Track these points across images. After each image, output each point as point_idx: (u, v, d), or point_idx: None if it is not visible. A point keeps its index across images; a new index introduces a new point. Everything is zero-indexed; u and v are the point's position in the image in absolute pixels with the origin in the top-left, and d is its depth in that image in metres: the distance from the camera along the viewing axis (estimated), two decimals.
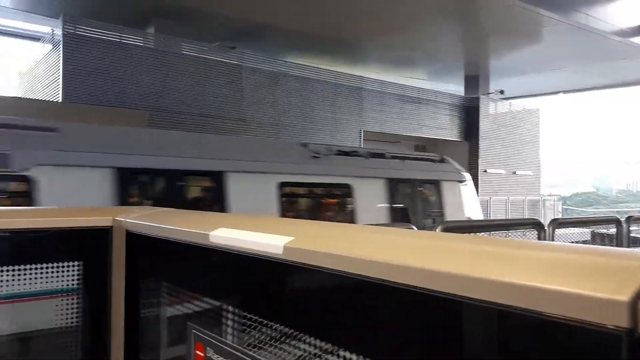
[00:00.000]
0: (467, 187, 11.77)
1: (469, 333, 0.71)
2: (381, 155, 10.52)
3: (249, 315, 1.08)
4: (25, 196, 6.09)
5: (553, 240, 3.57)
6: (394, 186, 10.11)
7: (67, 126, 6.88)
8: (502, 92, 21.50)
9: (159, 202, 6.85)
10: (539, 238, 3.56)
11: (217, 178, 7.78)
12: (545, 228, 3.62)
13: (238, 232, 1.16)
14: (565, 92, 25.82)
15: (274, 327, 1.02)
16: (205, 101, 13.64)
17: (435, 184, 10.89)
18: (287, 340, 0.98)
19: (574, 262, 0.68)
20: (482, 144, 20.22)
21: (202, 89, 13.61)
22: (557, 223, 3.53)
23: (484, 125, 20.40)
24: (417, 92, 19.29)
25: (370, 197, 9.76)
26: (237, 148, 8.85)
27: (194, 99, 13.41)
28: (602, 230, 4.71)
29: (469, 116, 20.47)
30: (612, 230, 4.59)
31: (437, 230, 2.79)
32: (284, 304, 1.05)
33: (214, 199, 7.81)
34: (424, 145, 20.29)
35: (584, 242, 4.76)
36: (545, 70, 20.52)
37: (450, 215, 10.73)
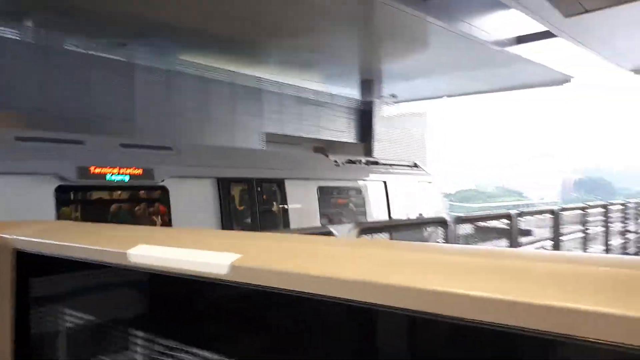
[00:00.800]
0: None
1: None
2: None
3: (176, 347, 0.93)
4: (162, 200, 8.26)
5: (456, 235, 3.75)
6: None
7: (180, 145, 9.29)
8: (394, 96, 22.58)
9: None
10: (445, 234, 3.72)
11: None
12: (449, 225, 3.79)
13: (164, 249, 1.01)
14: (449, 96, 27.71)
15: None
16: (93, 101, 12.64)
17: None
18: None
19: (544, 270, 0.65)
20: (377, 146, 21.06)
21: (88, 88, 12.60)
22: (460, 220, 3.72)
23: (378, 127, 21.26)
24: (315, 94, 19.58)
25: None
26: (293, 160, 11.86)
27: (80, 99, 12.37)
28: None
29: (364, 119, 21.22)
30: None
31: (353, 232, 2.78)
32: (229, 332, 0.92)
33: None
34: (323, 147, 20.64)
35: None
36: (432, 75, 21.86)
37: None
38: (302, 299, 0.72)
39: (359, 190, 12.42)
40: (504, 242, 4.72)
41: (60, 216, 6.49)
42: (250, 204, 9.84)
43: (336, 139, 20.26)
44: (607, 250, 7.95)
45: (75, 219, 6.86)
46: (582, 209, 7.06)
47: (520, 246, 5.11)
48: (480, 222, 4.33)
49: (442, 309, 0.58)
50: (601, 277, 0.62)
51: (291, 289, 0.74)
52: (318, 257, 0.81)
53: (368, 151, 20.83)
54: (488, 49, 17.10)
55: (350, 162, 12.77)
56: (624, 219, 9.11)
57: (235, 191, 9.73)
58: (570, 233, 14.42)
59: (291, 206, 10.44)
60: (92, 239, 1.24)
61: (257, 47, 16.98)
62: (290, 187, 10.43)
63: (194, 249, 0.94)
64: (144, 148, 8.55)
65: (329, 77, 21.60)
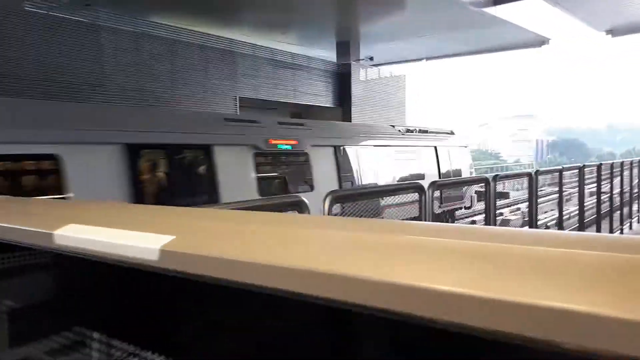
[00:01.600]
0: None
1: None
2: None
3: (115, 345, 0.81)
4: (304, 163, 11.03)
5: (433, 201, 3.67)
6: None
7: (310, 122, 12.56)
8: (371, 58, 22.22)
9: None
10: (420, 201, 3.63)
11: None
12: (426, 190, 3.70)
13: (95, 230, 0.86)
14: (427, 59, 27.46)
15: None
16: (56, 65, 12.07)
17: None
18: None
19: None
20: (355, 109, 20.83)
21: (51, 51, 12.00)
22: (436, 186, 3.64)
23: (355, 91, 20.97)
24: (291, 57, 19.12)
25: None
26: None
27: (42, 63, 11.79)
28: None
29: (341, 83, 20.88)
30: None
31: (326, 200, 2.66)
32: (162, 327, 0.80)
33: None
34: (300, 112, 20.34)
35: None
36: (410, 38, 21.53)
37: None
38: (250, 292, 0.60)
39: (415, 153, 14.71)
40: (481, 206, 4.67)
41: (258, 171, 9.88)
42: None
43: (313, 103, 19.95)
44: (582, 210, 8.07)
45: (263, 172, 10.15)
46: (559, 171, 7.09)
47: (497, 209, 5.10)
48: (456, 187, 4.26)
49: (385, 303, 0.47)
50: (593, 266, 0.50)
51: (229, 279, 0.62)
52: (259, 241, 0.68)
53: (347, 116, 20.61)
54: (466, 9, 16.83)
55: (409, 131, 15.18)
56: (598, 180, 9.25)
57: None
58: (546, 195, 14.70)
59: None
60: (19, 218, 1.10)
61: (229, 7, 16.38)
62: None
63: (128, 230, 0.81)
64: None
65: (304, 39, 21.08)
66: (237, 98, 16.59)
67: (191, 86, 15.15)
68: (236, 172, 9.53)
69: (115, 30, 13.42)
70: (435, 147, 15.62)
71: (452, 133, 17.35)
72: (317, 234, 0.73)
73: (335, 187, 10.82)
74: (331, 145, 11.74)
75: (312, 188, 10.67)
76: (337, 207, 2.82)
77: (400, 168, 13.71)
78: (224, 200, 8.53)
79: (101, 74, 12.98)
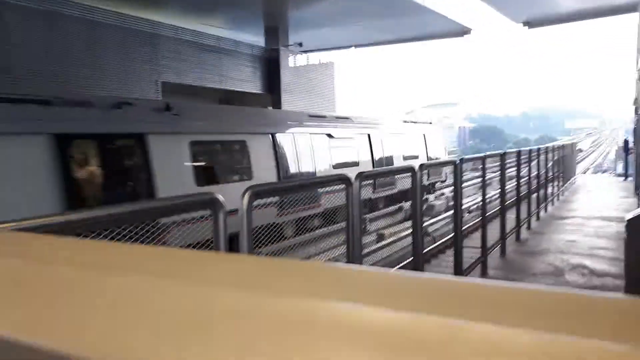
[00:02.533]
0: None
1: None
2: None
3: None
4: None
5: (360, 194, 3.54)
6: None
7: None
8: (300, 44, 21.95)
9: None
10: (346, 193, 3.49)
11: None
12: (352, 182, 3.56)
13: None
14: (356, 46, 27.59)
15: None
16: None
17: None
18: None
19: None
20: (284, 96, 20.52)
21: None
22: (363, 177, 3.51)
23: (285, 77, 20.65)
24: (217, 41, 18.44)
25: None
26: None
27: None
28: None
29: (270, 68, 20.47)
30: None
31: (245, 197, 2.43)
32: None
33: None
34: (228, 98, 19.74)
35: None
36: (338, 25, 21.47)
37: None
38: None
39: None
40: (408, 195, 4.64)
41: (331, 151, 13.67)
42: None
43: (241, 89, 19.42)
44: (502, 191, 8.37)
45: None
46: (482, 158, 7.28)
47: (423, 198, 5.10)
48: (383, 178, 4.18)
49: None
50: None
51: None
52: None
53: (276, 103, 20.26)
54: None
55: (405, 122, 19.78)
56: (518, 166, 9.66)
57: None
58: (469, 180, 15.29)
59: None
60: None
61: None
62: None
63: None
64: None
65: (231, 22, 20.40)
66: (159, 83, 15.76)
67: (110, 70, 14.16)
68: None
69: (23, 9, 12.19)
70: (424, 135, 19.82)
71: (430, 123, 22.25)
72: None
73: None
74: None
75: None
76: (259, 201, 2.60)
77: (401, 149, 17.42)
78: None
79: (7, 57, 11.77)
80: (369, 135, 15.47)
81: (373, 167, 15.03)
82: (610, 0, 19.45)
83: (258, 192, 2.47)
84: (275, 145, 11.55)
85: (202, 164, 9.57)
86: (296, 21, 20.37)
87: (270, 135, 11.51)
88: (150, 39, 15.63)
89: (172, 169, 8.78)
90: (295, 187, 3.13)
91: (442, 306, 0.45)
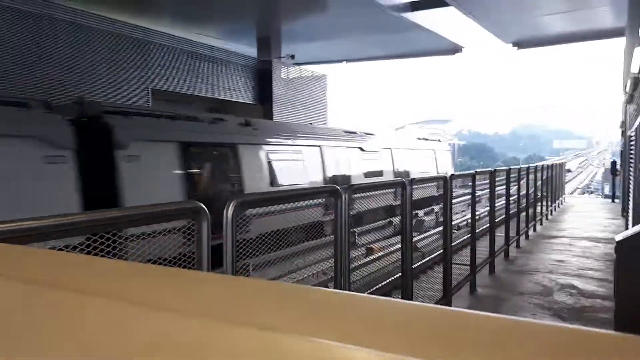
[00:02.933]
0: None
1: None
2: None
3: None
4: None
5: (350, 206, 3.44)
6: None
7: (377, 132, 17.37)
8: (292, 57, 21.95)
9: None
10: (335, 206, 3.39)
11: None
12: (342, 194, 3.47)
13: None
14: (347, 60, 27.70)
15: None
16: None
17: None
18: None
19: None
20: (275, 107, 20.47)
21: None
22: (352, 189, 3.41)
23: (277, 89, 20.61)
24: (209, 50, 18.38)
25: None
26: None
27: None
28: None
29: (262, 79, 20.44)
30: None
31: (230, 206, 2.32)
32: None
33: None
34: (217, 107, 19.64)
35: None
36: (331, 38, 21.54)
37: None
38: None
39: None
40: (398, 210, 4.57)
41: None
42: None
43: (232, 99, 19.33)
44: (491, 209, 8.33)
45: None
46: (472, 175, 7.23)
47: (413, 212, 5.03)
48: (374, 191, 4.10)
49: None
50: None
51: None
52: None
53: (268, 113, 20.20)
54: (385, 13, 17.06)
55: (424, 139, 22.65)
56: (507, 183, 9.65)
57: None
58: (459, 196, 15.27)
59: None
60: None
61: None
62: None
63: None
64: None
65: (224, 32, 20.37)
66: (150, 90, 15.62)
67: (98, 75, 13.99)
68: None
69: (10, 10, 12.04)
70: (434, 150, 21.74)
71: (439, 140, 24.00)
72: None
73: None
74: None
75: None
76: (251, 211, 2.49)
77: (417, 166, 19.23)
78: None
79: None
80: (391, 150, 17.89)
81: (394, 177, 16.98)
82: (598, 25, 19.75)
83: (243, 202, 2.36)
84: (321, 154, 14.15)
85: (273, 168, 11.80)
86: (289, 34, 20.41)
87: (318, 147, 14.12)
88: (142, 46, 15.51)
89: (254, 172, 11.06)
90: (283, 198, 3.03)
91: (429, 345, 0.40)
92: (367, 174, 15.74)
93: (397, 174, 17.47)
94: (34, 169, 6.60)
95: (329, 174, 14.13)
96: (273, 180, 11.58)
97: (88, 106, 8.07)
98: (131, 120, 8.37)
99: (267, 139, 11.92)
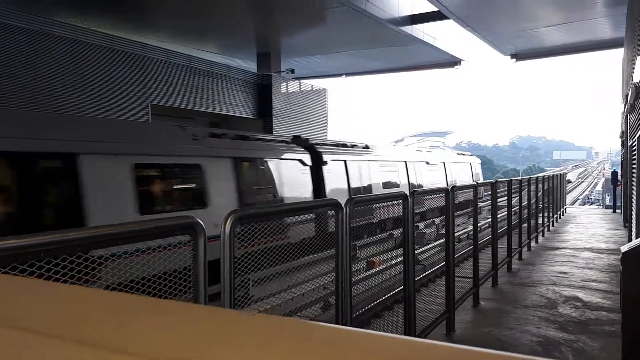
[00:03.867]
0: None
1: None
2: None
3: None
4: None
5: (350, 219, 3.39)
6: None
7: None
8: (292, 71, 22.05)
9: None
10: (336, 219, 3.33)
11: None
12: (343, 208, 3.41)
13: None
14: (347, 74, 27.83)
15: None
16: None
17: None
18: None
19: None
20: (275, 122, 20.48)
21: None
22: (353, 202, 3.36)
23: (276, 103, 20.64)
24: (209, 65, 18.44)
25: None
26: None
27: None
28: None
29: (262, 94, 20.48)
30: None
31: (228, 220, 2.26)
32: None
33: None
34: (218, 121, 19.66)
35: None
36: (330, 53, 21.66)
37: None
38: None
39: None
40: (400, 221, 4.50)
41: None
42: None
43: (232, 114, 19.35)
44: (493, 220, 8.25)
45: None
46: (473, 187, 7.17)
47: (415, 224, 4.97)
48: (375, 204, 4.04)
49: None
50: None
51: None
52: None
53: (267, 128, 20.20)
54: (384, 27, 17.16)
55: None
56: (508, 195, 9.59)
57: None
58: (461, 209, 15.20)
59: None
60: None
61: (143, 10, 15.50)
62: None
63: None
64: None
65: (224, 48, 20.50)
66: (150, 105, 15.63)
67: (96, 90, 13.99)
68: None
69: (8, 27, 12.08)
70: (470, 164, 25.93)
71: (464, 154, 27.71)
72: None
73: None
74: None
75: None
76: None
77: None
78: None
79: None
80: (444, 163, 21.99)
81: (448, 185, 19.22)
82: (596, 36, 19.86)
83: (241, 217, 2.31)
84: (406, 168, 18.19)
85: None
86: (288, 48, 20.52)
87: (404, 162, 18.23)
88: (140, 61, 15.55)
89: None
90: (281, 212, 2.97)
91: None
92: (432, 183, 19.87)
93: (450, 182, 21.19)
94: (300, 175, 12.46)
95: (412, 182, 18.11)
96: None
97: (305, 141, 13.31)
98: (323, 147, 13.65)
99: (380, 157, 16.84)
